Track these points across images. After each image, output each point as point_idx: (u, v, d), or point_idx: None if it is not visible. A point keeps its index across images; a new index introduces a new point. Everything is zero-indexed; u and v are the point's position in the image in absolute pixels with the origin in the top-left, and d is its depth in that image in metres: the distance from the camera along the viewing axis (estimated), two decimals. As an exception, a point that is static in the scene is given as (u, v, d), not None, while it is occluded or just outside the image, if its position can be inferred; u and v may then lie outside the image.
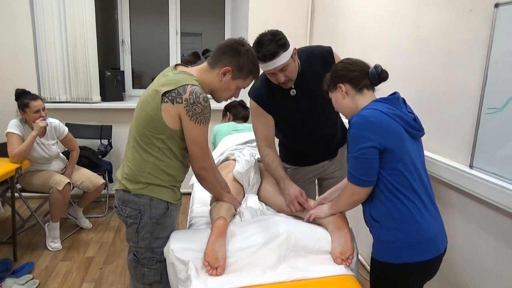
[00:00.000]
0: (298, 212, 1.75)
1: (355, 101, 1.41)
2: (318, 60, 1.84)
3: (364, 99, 1.40)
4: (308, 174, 2.11)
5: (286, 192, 1.77)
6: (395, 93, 1.43)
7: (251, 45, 1.62)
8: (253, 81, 1.59)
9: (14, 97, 2.75)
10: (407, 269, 1.32)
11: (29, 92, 2.79)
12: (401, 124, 1.32)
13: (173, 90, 1.40)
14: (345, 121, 2.14)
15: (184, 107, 1.40)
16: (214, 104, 2.03)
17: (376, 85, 1.44)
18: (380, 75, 1.39)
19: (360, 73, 1.40)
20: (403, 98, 1.45)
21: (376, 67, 1.40)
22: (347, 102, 1.43)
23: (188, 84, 1.41)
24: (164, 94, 1.40)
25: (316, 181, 2.20)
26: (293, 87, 1.83)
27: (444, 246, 1.37)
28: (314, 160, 2.06)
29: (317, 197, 2.05)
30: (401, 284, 1.36)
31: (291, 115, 1.87)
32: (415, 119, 1.40)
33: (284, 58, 1.65)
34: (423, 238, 1.30)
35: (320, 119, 1.91)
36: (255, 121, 1.90)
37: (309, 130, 1.93)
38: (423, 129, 1.42)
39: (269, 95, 1.83)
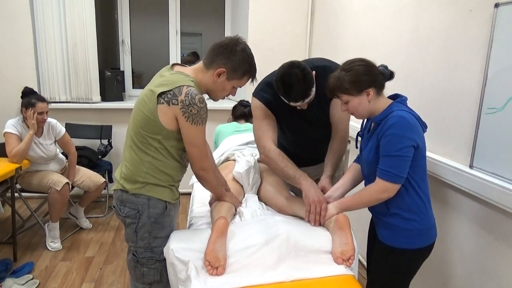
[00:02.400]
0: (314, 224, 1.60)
1: (377, 103, 1.43)
2: (327, 77, 1.63)
3: (383, 100, 1.45)
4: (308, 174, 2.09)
5: (305, 195, 1.61)
6: (398, 95, 1.49)
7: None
8: (249, 80, 1.56)
9: (14, 97, 2.75)
10: (418, 253, 1.47)
11: (36, 92, 2.80)
12: (420, 124, 1.42)
13: (168, 91, 1.39)
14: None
15: (180, 109, 1.39)
16: (215, 104, 2.02)
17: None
18: (390, 76, 1.45)
19: (381, 76, 1.42)
20: None
21: (385, 67, 1.44)
22: (370, 106, 1.43)
23: (183, 85, 1.40)
24: (160, 95, 1.40)
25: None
26: None
27: None
28: (312, 162, 2.08)
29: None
30: (412, 266, 1.50)
31: (293, 124, 1.87)
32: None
33: (312, 93, 1.62)
34: (430, 225, 1.46)
35: (321, 130, 1.90)
36: (259, 121, 1.81)
37: (308, 138, 1.95)
38: (427, 126, 1.50)
39: (275, 100, 1.77)
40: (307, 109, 1.75)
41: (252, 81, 1.57)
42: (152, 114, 1.41)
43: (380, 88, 1.43)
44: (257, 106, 1.81)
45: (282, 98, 1.65)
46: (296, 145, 2.02)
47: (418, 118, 1.42)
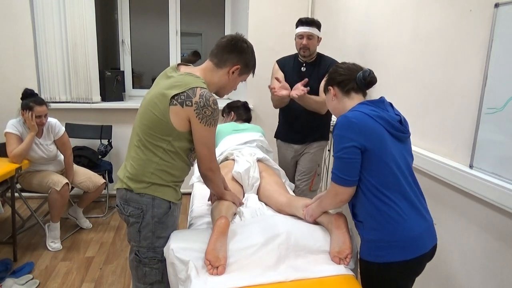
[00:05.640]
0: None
1: (343, 104, 1.47)
2: (327, 65, 2.45)
3: (351, 102, 1.45)
4: (288, 153, 2.68)
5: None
6: (381, 97, 1.46)
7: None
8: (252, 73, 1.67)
9: (14, 97, 2.74)
10: (389, 268, 1.33)
11: (37, 94, 2.78)
12: (384, 126, 1.34)
13: (182, 93, 1.41)
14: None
15: (194, 110, 1.41)
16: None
17: (365, 89, 1.47)
18: (365, 79, 1.42)
19: (348, 77, 1.45)
20: (389, 102, 1.47)
21: (364, 71, 1.43)
22: (334, 104, 1.50)
23: (197, 87, 1.42)
24: (173, 97, 1.41)
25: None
26: (305, 65, 2.51)
27: (430, 245, 1.37)
28: (295, 138, 2.62)
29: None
30: (386, 282, 1.38)
31: (293, 82, 2.37)
32: (401, 121, 1.41)
33: (314, 31, 2.40)
34: (405, 237, 1.30)
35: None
36: (272, 78, 2.53)
37: (302, 108, 2.42)
38: (408, 131, 1.43)
39: (287, 62, 2.59)
40: (306, 71, 2.48)
41: (253, 74, 1.66)
42: (164, 116, 1.42)
43: (343, 88, 1.45)
44: (274, 66, 2.62)
45: (298, 23, 2.43)
46: (292, 115, 2.57)
47: (380, 119, 1.34)
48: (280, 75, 2.51)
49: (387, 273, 1.35)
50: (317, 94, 2.40)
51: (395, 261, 1.31)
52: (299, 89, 2.22)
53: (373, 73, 1.43)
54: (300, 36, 2.42)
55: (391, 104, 1.47)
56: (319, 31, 2.42)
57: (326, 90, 1.54)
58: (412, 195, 1.34)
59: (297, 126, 2.59)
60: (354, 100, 1.45)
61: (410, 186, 1.36)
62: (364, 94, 1.48)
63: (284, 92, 2.27)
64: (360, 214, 1.38)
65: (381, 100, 1.43)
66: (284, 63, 2.59)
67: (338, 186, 1.36)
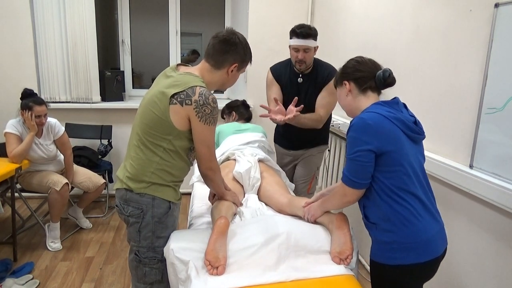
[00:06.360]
0: None
1: (357, 101, 1.42)
2: (325, 75, 2.31)
3: (366, 101, 1.40)
4: (287, 158, 2.63)
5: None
6: (394, 98, 1.43)
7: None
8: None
9: (14, 97, 2.73)
10: (402, 271, 1.31)
11: (36, 94, 2.78)
12: (400, 127, 1.31)
13: (181, 92, 1.41)
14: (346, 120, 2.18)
15: (194, 109, 1.42)
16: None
17: (382, 88, 1.42)
18: (385, 80, 1.37)
19: (367, 74, 1.40)
20: (403, 103, 1.44)
21: (385, 71, 1.38)
22: (349, 100, 1.44)
23: (196, 86, 1.43)
24: (173, 96, 1.42)
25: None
26: (301, 76, 2.34)
27: (442, 248, 1.36)
28: (294, 145, 2.56)
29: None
30: (398, 285, 1.36)
31: (289, 94, 2.32)
32: (416, 122, 1.39)
33: (310, 43, 2.21)
34: (419, 240, 1.29)
35: (310, 109, 2.30)
36: (268, 90, 2.42)
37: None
38: (424, 132, 1.40)
39: (283, 71, 2.40)
40: (303, 83, 2.34)
41: (251, 63, 1.66)
42: (164, 115, 1.43)
43: (360, 85, 1.40)
44: (268, 77, 2.44)
45: (293, 34, 2.22)
46: (290, 127, 2.33)
47: (397, 121, 1.31)
48: (276, 87, 2.38)
49: (400, 275, 1.33)
50: (313, 105, 2.32)
51: (408, 263, 1.29)
52: (293, 112, 2.06)
53: (393, 73, 1.38)
54: (295, 49, 2.23)
55: (405, 105, 1.43)
56: (316, 40, 2.23)
57: (339, 84, 1.48)
58: (424, 197, 1.32)
59: (296, 136, 2.48)
60: (370, 99, 1.40)
61: (423, 187, 1.34)
62: (379, 93, 1.44)
63: (278, 117, 2.09)
64: (374, 216, 1.35)
65: (396, 101, 1.39)
66: (279, 73, 2.40)
67: (348, 188, 1.34)
